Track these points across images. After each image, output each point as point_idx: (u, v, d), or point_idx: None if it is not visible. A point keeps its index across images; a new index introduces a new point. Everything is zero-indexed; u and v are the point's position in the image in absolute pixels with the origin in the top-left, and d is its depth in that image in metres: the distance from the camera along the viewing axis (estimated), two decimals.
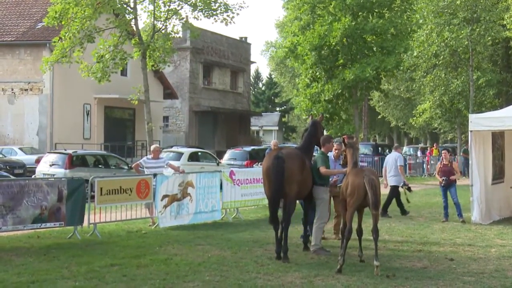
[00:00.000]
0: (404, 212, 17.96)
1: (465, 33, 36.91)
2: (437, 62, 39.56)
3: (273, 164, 11.26)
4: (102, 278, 9.54)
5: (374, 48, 32.19)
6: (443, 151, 17.96)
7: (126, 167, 24.16)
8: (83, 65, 25.98)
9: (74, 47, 25.38)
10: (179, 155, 27.52)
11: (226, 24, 27.27)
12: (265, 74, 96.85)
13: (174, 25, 27.18)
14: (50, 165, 22.72)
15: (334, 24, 30.47)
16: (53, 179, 15.71)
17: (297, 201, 12.37)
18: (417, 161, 40.03)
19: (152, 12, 26.30)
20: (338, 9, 31.23)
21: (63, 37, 25.66)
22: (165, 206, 14.95)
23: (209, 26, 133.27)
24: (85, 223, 13.73)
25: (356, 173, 10.57)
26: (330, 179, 12.53)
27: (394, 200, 18.03)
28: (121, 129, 39.78)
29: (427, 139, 71.51)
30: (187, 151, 28.98)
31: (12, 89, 34.87)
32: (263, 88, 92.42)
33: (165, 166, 16.40)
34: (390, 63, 30.55)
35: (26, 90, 34.66)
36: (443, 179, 16.97)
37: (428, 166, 38.92)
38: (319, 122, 12.51)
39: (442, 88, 40.55)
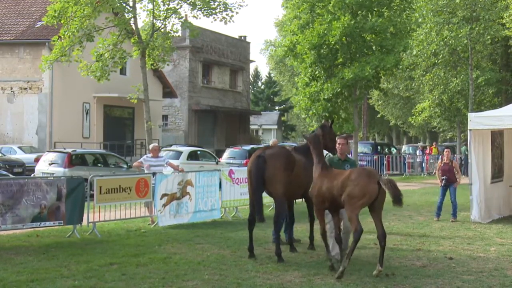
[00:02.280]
0: None
1: (465, 32, 36.93)
2: (436, 61, 39.57)
3: (253, 163, 11.19)
4: (101, 277, 9.54)
5: (374, 47, 32.13)
6: (445, 150, 17.89)
7: (125, 166, 24.18)
8: (83, 64, 25.97)
9: (73, 46, 25.36)
10: (178, 154, 27.55)
11: (225, 23, 27.26)
12: (264, 73, 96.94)
13: (173, 24, 27.16)
14: (50, 164, 22.74)
15: (333, 23, 30.41)
16: (52, 178, 15.73)
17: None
18: (417, 160, 40.06)
19: (151, 11, 26.28)
20: (337, 8, 31.16)
21: (62, 36, 25.64)
22: (165, 205, 14.96)
23: (208, 25, 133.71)
24: (84, 222, 13.74)
25: (368, 175, 9.91)
26: None
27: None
28: (120, 128, 39.79)
29: (426, 138, 71.51)
30: (186, 150, 28.99)
31: (12, 88, 34.87)
32: (262, 87, 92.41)
33: (165, 165, 16.42)
34: (390, 62, 30.47)
35: (25, 89, 34.66)
36: (443, 179, 16.95)
37: (427, 165, 38.94)
38: (328, 126, 12.17)
39: (442, 87, 40.57)
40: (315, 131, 12.02)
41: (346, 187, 9.91)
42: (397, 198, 9.74)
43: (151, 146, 16.64)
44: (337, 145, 11.44)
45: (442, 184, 17.00)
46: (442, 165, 17.21)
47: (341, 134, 44.74)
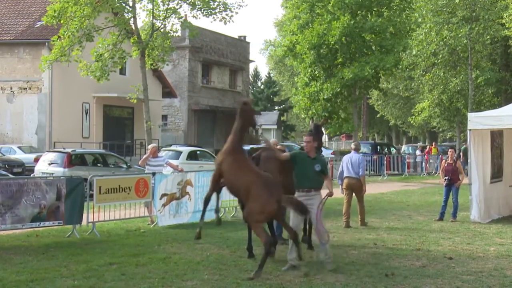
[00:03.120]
0: None
1: (464, 32, 36.92)
2: (436, 61, 39.57)
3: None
4: (101, 276, 9.53)
5: (373, 47, 32.20)
6: (449, 150, 17.76)
7: (125, 166, 24.17)
8: (82, 64, 25.97)
9: (73, 46, 25.37)
10: (178, 154, 27.55)
11: (225, 23, 27.28)
12: (264, 72, 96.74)
13: (173, 24, 27.20)
14: (49, 164, 22.73)
15: (333, 23, 30.48)
16: (52, 178, 15.72)
17: None
18: (416, 160, 40.05)
19: (151, 11, 26.30)
20: (337, 7, 31.23)
21: (62, 36, 25.65)
22: (164, 205, 14.95)
23: (208, 25, 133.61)
24: (84, 221, 13.73)
25: (270, 191, 9.64)
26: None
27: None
28: (120, 128, 39.78)
29: (426, 138, 71.52)
30: (185, 149, 28.99)
31: (11, 88, 34.85)
32: (262, 87, 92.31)
33: (165, 165, 16.41)
34: (389, 61, 30.55)
35: (25, 88, 34.64)
36: (445, 179, 16.83)
37: (427, 165, 38.94)
38: (320, 126, 12.53)
39: (441, 87, 40.58)
40: (312, 132, 12.00)
41: (247, 199, 9.79)
42: (303, 212, 9.83)
43: (149, 147, 16.66)
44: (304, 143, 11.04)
45: (445, 184, 16.88)
46: (446, 165, 17.08)
47: (341, 134, 44.57)
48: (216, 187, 10.64)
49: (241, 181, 9.90)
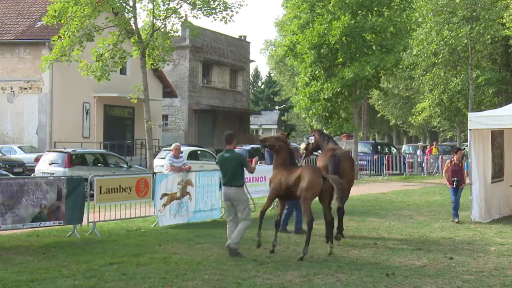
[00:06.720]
0: None
1: (465, 32, 36.90)
2: (436, 61, 39.54)
3: (330, 161, 12.95)
4: (101, 276, 9.54)
5: (374, 47, 32.12)
6: (458, 151, 17.46)
7: (125, 166, 24.16)
8: (83, 63, 25.94)
9: (73, 45, 25.33)
10: None
11: (226, 23, 27.24)
12: (264, 72, 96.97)
13: (173, 24, 27.10)
14: (50, 164, 22.75)
15: (333, 22, 30.40)
16: (52, 177, 15.71)
17: None
18: (417, 160, 40.05)
19: (151, 10, 26.26)
20: (337, 7, 31.16)
21: (62, 36, 25.63)
22: (165, 205, 14.96)
23: (208, 25, 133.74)
24: (85, 221, 13.74)
25: None
26: None
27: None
28: (120, 128, 39.78)
29: (427, 138, 71.49)
30: (186, 149, 28.98)
31: (12, 88, 34.85)
32: (262, 87, 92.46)
33: (182, 166, 16.41)
34: (390, 61, 30.47)
35: (25, 88, 34.64)
36: (453, 180, 16.65)
37: (427, 165, 38.94)
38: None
39: (442, 87, 40.55)
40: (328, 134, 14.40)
41: None
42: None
43: (173, 146, 16.86)
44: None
45: (454, 186, 16.65)
46: (451, 165, 16.91)
47: (342, 134, 44.88)
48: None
49: None
